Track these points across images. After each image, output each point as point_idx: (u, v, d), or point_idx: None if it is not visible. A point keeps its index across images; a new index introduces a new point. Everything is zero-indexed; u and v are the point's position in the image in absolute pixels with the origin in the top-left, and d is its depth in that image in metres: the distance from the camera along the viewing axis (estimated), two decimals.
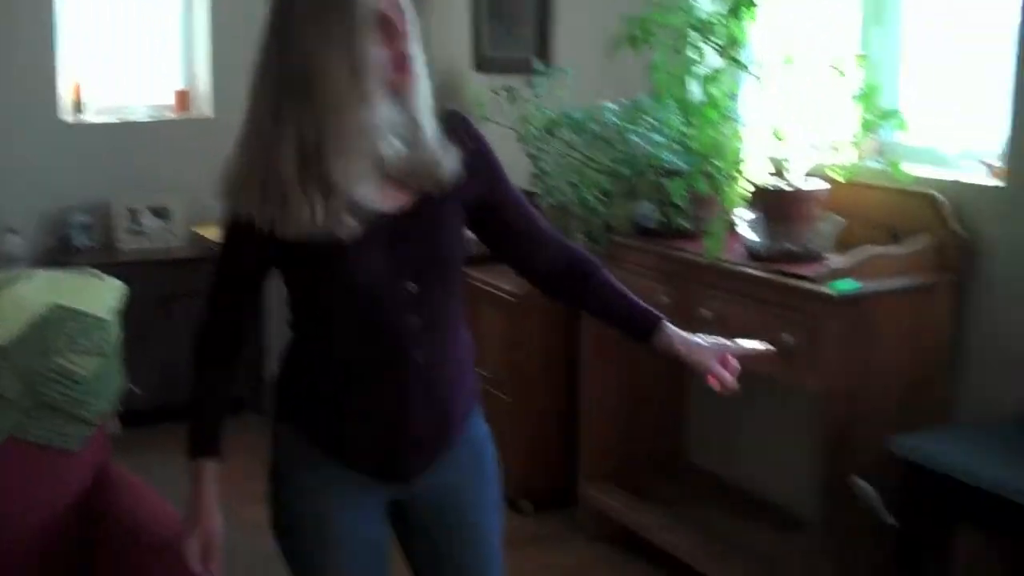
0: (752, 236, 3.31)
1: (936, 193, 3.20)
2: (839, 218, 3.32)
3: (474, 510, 2.24)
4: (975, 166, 3.25)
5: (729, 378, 2.18)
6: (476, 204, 2.14)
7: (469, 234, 2.19)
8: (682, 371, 4.23)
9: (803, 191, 3.27)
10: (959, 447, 2.68)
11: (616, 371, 4.04)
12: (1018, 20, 3.01)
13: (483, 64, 5.20)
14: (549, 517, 4.23)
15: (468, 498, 2.23)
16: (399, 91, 1.98)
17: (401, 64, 1.96)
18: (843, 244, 3.26)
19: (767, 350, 2.27)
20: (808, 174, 3.29)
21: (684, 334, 2.22)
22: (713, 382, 2.20)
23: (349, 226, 1.96)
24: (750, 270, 3.22)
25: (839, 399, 3.07)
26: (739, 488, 4.05)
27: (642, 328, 2.23)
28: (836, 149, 3.23)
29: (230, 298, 2.13)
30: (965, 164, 3.30)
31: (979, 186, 3.19)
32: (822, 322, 3.02)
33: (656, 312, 2.25)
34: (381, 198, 2.02)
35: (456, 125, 2.11)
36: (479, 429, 2.27)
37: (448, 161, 2.04)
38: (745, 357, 2.22)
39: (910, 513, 2.65)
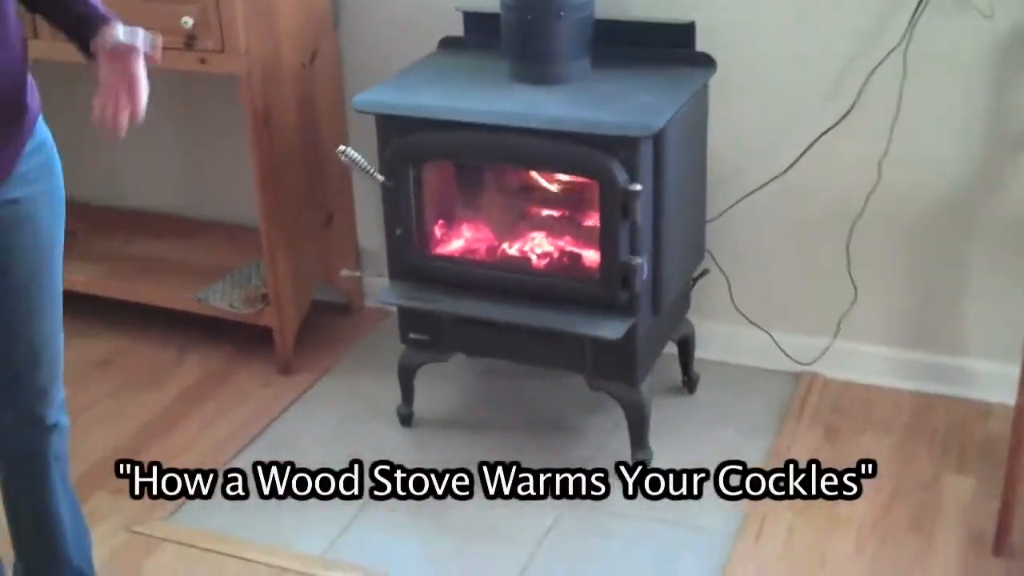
0: None
1: None
2: None
3: (48, 226, 1.92)
4: None
5: (112, 125, 1.80)
6: None
7: None
8: None
9: None
10: (414, 91, 2.66)
11: None
12: None
13: None
14: None
15: (43, 212, 1.89)
16: None
17: None
18: None
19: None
20: None
21: (118, 33, 1.78)
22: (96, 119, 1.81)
23: None
24: None
25: (257, 78, 2.86)
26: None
27: (86, 32, 1.82)
28: None
29: None
30: None
31: None
32: None
33: (107, 15, 1.83)
34: None
35: None
36: (46, 134, 1.90)
37: None
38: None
39: (392, 162, 2.60)
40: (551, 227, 2.75)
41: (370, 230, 3.33)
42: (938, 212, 2.82)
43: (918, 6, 2.65)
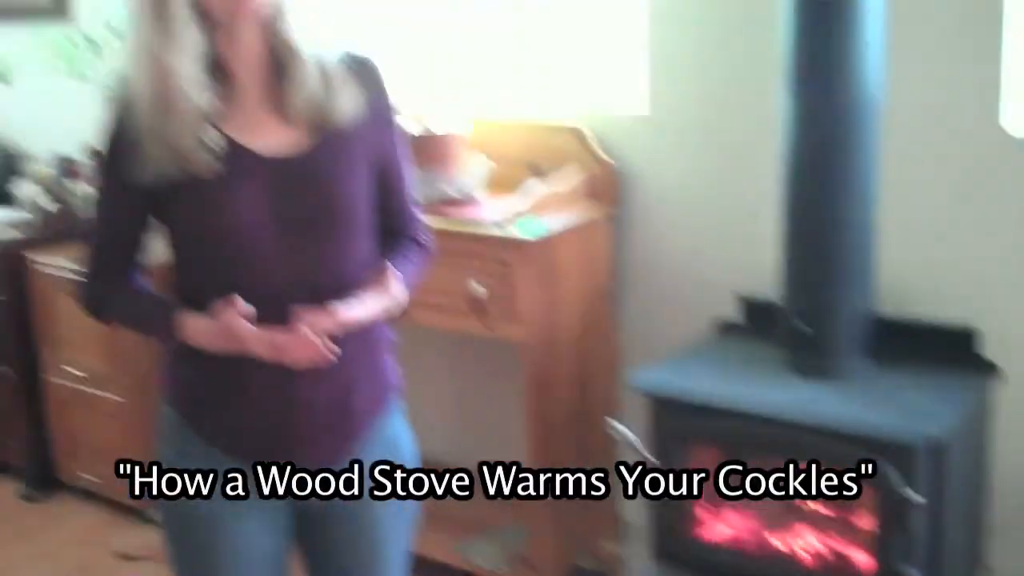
0: None
1: (581, 126, 3.19)
2: (486, 159, 3.23)
3: (382, 526, 1.96)
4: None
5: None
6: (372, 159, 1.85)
7: None
8: None
9: (447, 135, 3.14)
10: (690, 374, 2.72)
11: None
12: None
13: None
14: None
15: (380, 515, 1.95)
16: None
17: None
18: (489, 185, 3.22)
19: None
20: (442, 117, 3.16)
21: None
22: None
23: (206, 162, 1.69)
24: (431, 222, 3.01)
25: (538, 346, 2.99)
26: None
27: None
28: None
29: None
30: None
31: (623, 116, 3.20)
32: (516, 268, 2.90)
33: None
34: (262, 137, 1.73)
35: (361, 69, 1.82)
36: (397, 429, 1.97)
37: (347, 99, 1.77)
38: None
39: (666, 446, 2.64)
40: (820, 523, 2.69)
41: (633, 503, 3.32)
42: None
43: None
